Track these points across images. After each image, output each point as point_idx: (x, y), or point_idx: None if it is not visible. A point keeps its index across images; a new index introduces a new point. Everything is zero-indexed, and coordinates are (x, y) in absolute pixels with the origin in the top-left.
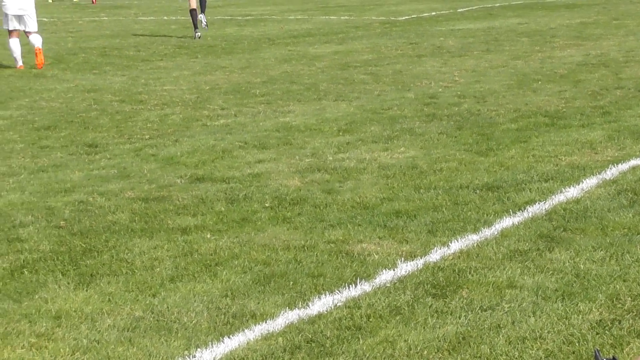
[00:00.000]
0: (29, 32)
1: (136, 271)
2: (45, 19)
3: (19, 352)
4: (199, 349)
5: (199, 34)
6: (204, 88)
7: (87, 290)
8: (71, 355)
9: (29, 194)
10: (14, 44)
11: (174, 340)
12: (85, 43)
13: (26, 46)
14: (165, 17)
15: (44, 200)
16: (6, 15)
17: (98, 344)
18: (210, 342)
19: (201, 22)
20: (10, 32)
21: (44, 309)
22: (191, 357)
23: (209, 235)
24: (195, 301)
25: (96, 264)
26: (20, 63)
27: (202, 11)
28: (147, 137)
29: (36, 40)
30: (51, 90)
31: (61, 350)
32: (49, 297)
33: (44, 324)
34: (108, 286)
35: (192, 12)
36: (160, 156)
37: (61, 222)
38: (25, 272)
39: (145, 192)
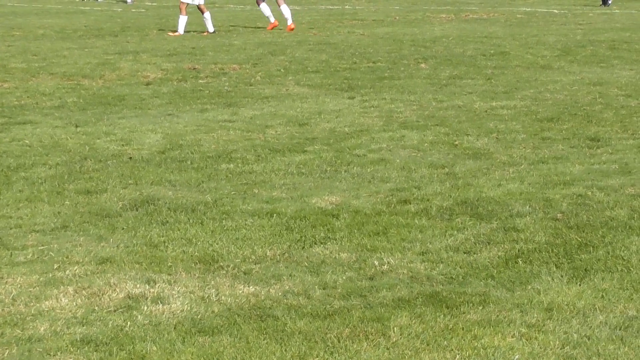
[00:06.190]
0: None
1: (632, 269)
2: (555, 11)
3: (509, 340)
4: None
5: None
6: None
7: (580, 285)
8: (560, 349)
9: (527, 185)
10: None
11: None
12: (595, 36)
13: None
14: None
15: (542, 191)
16: None
17: (589, 339)
18: None
19: None
20: None
21: (535, 300)
22: None
23: None
24: None
25: (591, 259)
26: None
27: None
28: None
29: None
30: (556, 82)
31: (551, 342)
32: (541, 288)
33: (535, 315)
34: (602, 282)
35: None
36: None
37: (558, 215)
38: (520, 262)
39: None
